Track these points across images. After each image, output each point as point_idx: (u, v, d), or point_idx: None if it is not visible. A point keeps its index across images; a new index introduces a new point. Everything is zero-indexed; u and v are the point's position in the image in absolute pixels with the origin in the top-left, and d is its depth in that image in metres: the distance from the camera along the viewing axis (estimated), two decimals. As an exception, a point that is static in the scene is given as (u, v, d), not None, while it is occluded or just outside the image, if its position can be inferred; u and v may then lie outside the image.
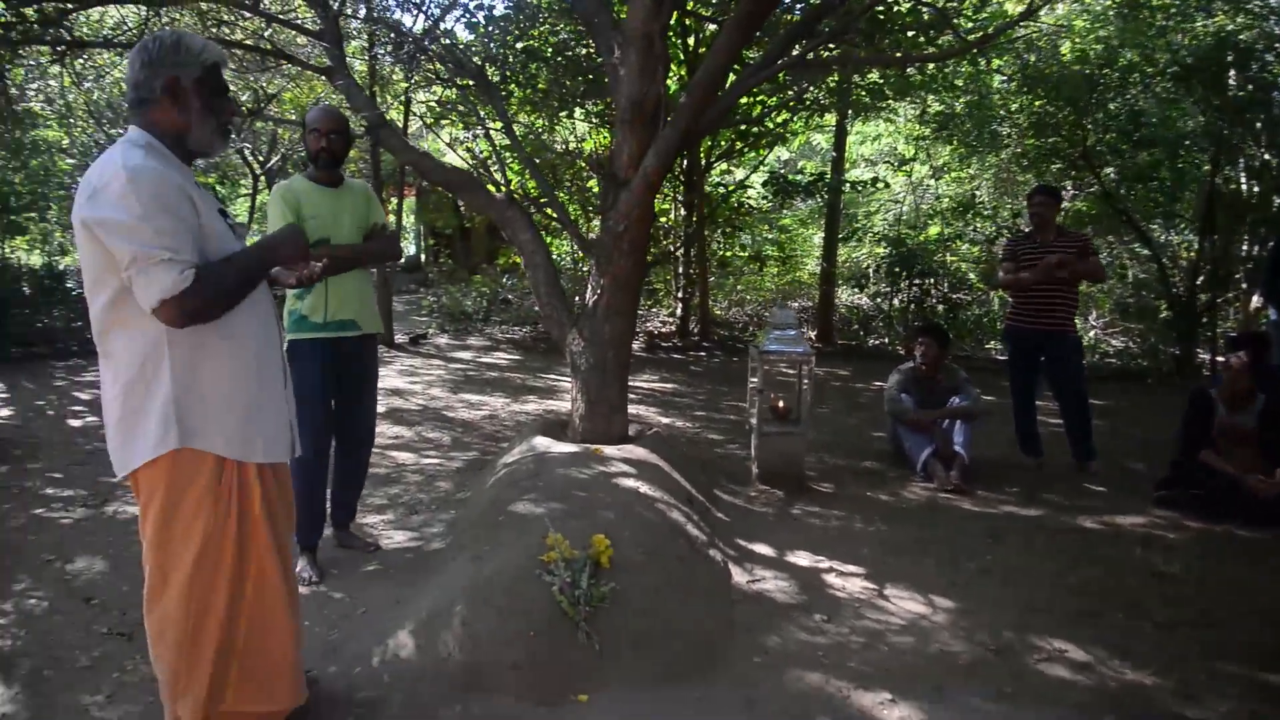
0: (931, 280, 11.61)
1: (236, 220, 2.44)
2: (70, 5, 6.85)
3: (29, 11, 6.21)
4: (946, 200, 13.39)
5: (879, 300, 12.32)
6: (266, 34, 9.22)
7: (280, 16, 7.76)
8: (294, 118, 13.54)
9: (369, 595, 3.56)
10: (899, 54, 6.56)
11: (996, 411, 6.42)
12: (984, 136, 10.70)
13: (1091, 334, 11.44)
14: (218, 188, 15.48)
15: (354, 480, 4.06)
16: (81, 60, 10.33)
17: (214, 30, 8.61)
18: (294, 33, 9.15)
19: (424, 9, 10.43)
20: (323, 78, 7.32)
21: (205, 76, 2.19)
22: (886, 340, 11.62)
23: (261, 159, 15.45)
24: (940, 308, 11.45)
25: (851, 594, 3.57)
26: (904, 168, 14.02)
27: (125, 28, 9.47)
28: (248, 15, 8.60)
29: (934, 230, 12.78)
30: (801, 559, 3.93)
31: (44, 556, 3.98)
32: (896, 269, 11.62)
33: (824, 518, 4.56)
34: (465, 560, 3.35)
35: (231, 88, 2.27)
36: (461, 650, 2.84)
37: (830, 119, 11.68)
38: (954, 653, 3.07)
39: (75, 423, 6.67)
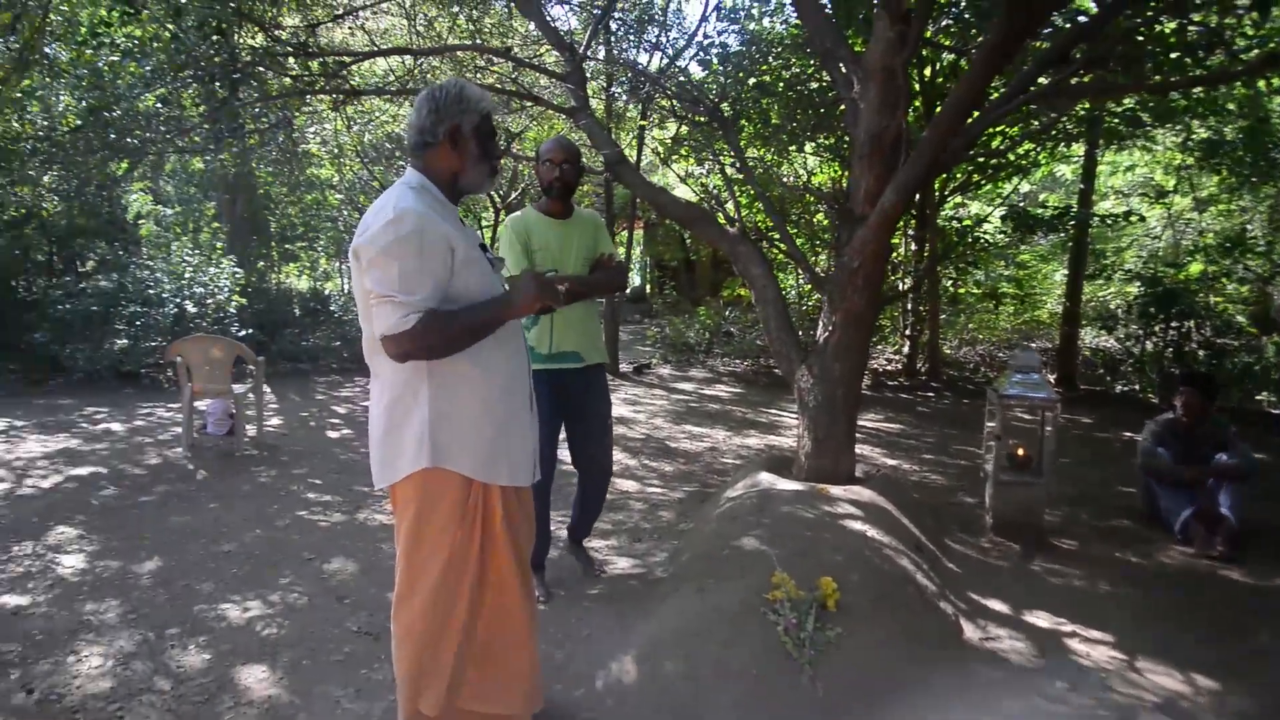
0: (1192, 322, 10.57)
1: (496, 255, 2.61)
2: (348, 59, 7.63)
3: (315, 65, 6.96)
4: (1211, 235, 12.21)
5: (1129, 343, 11.36)
6: (515, 77, 9.81)
7: (530, 62, 8.25)
8: (533, 154, 14.33)
9: (593, 618, 3.67)
10: (1161, 78, 6.07)
11: (1272, 471, 5.76)
12: (1260, 165, 9.67)
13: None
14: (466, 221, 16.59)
15: (593, 507, 4.16)
16: (354, 106, 11.42)
17: (470, 76, 9.29)
18: (539, 75, 9.69)
19: (661, 49, 10.81)
20: (564, 117, 7.69)
21: (482, 123, 2.38)
22: (1137, 387, 10.70)
23: (502, 193, 16.43)
24: (1201, 353, 10.42)
25: (1098, 662, 3.30)
26: (1162, 200, 12.92)
27: (392, 76, 10.41)
28: (499, 61, 9.23)
29: (1195, 268, 11.65)
30: (1040, 619, 3.69)
31: (305, 555, 4.40)
32: (1151, 309, 10.66)
33: (1066, 576, 4.26)
34: (689, 592, 3.39)
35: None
36: (682, 680, 2.87)
37: (1078, 149, 10.98)
38: (1220, 741, 2.78)
39: (333, 434, 7.34)
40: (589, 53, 8.45)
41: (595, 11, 8.23)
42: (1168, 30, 5.98)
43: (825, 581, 3.00)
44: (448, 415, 2.32)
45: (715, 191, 9.71)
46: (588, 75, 8.75)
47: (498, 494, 2.42)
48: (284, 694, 3.02)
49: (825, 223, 11.11)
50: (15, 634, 3.41)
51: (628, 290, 13.02)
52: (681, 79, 7.86)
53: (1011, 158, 9.88)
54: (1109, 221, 10.94)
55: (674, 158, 10.21)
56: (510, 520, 2.47)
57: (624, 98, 12.29)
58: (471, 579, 2.42)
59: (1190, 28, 5.85)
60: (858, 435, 6.31)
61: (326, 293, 14.19)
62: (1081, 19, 5.72)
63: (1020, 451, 4.85)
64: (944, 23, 7.47)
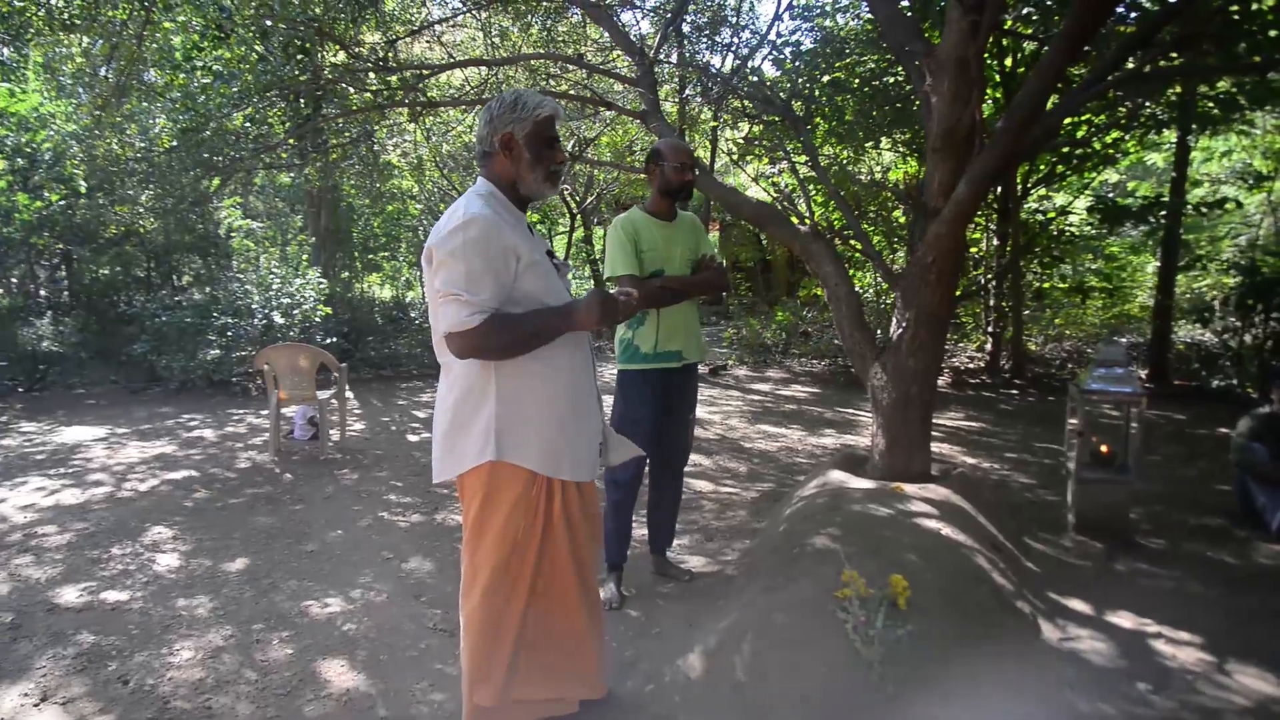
0: (1294, 314, 10.09)
1: (562, 261, 2.67)
2: (425, 72, 7.81)
3: (394, 80, 7.16)
4: (1316, 222, 11.65)
5: (1226, 336, 10.88)
6: (588, 83, 9.91)
7: (601, 67, 8.33)
8: (608, 159, 14.44)
9: (664, 616, 3.69)
10: (1259, 58, 5.80)
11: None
12: (1367, 147, 9.19)
13: None
14: (539, 227, 16.82)
15: (670, 503, 4.11)
16: (432, 118, 11.69)
17: (543, 83, 9.42)
18: (612, 80, 9.76)
19: (733, 50, 10.79)
20: (637, 121, 7.75)
21: (536, 130, 2.44)
22: (1235, 381, 10.23)
23: (578, 199, 16.57)
24: (1305, 345, 9.92)
25: (1184, 665, 3.18)
26: (1261, 185, 12.35)
27: (469, 87, 10.62)
28: (572, 68, 9.33)
29: (1298, 256, 11.13)
30: (1124, 620, 3.57)
31: (384, 554, 4.52)
32: (1249, 301, 10.18)
33: (1152, 577, 4.11)
34: (758, 590, 3.37)
35: (561, 136, 2.50)
36: (750, 678, 2.86)
37: (1169, 135, 10.59)
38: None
39: (413, 438, 7.51)
40: (661, 56, 8.49)
41: (666, 15, 8.25)
42: (1266, 6, 5.70)
43: (896, 579, 2.95)
44: (514, 410, 2.40)
45: (788, 190, 9.64)
46: (659, 79, 8.80)
47: (559, 488, 2.49)
48: (362, 686, 3.11)
49: (903, 220, 10.93)
50: (114, 628, 3.59)
51: (729, 291, 12.93)
52: (753, 79, 7.84)
53: (1097, 146, 9.56)
54: (1203, 210, 10.52)
55: (747, 158, 10.18)
56: (570, 515, 2.53)
57: (697, 100, 12.30)
58: (530, 571, 2.49)
59: (1290, 3, 5.58)
60: (936, 434, 6.22)
61: (408, 300, 14.55)
62: (1170, -1, 5.52)
63: (1104, 448, 4.70)
64: (1024, 10, 7.29)
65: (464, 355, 2.34)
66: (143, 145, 10.30)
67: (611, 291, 2.53)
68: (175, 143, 9.18)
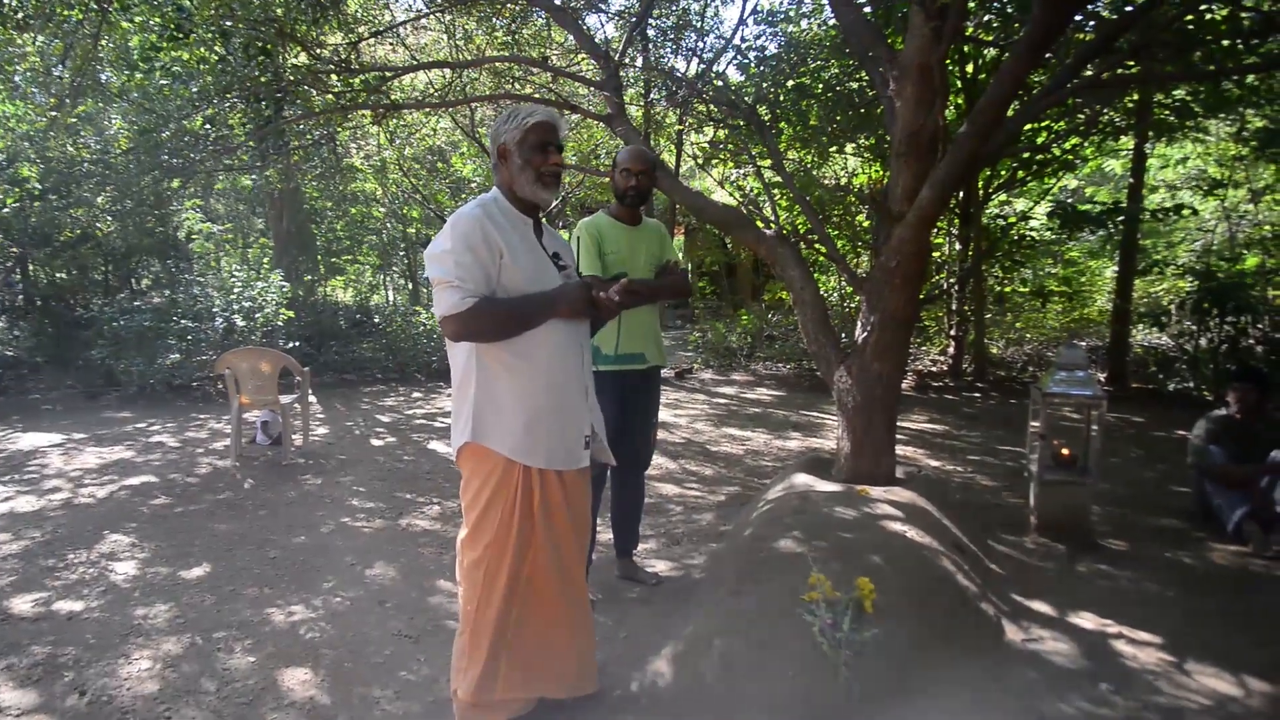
0: (1248, 318, 10.28)
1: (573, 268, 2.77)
2: (389, 74, 7.75)
3: (357, 82, 7.09)
4: (1269, 227, 11.88)
5: (1182, 340, 11.08)
6: (553, 86, 9.89)
7: (566, 70, 8.31)
8: (573, 162, 14.41)
9: (631, 620, 3.68)
10: (1213, 67, 5.91)
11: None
12: (1319, 153, 9.40)
13: None
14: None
15: (633, 505, 4.14)
16: (395, 120, 11.60)
17: (507, 86, 9.38)
18: (577, 84, 9.75)
19: (698, 54, 10.82)
20: (602, 124, 7.74)
21: (524, 137, 2.59)
22: (1191, 384, 10.42)
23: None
24: (1259, 349, 10.13)
25: (1144, 665, 3.23)
26: (1216, 192, 12.59)
27: (432, 89, 10.56)
28: (537, 71, 9.30)
29: (1252, 261, 11.33)
30: (1085, 621, 3.61)
31: (348, 560, 4.47)
32: (1205, 305, 10.37)
33: (1113, 578, 4.17)
34: (725, 593, 3.38)
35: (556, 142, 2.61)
36: (718, 681, 2.86)
37: (1127, 142, 10.77)
38: (1274, 743, 2.70)
39: (377, 442, 7.43)
40: (626, 60, 8.50)
41: (631, 19, 8.26)
42: (1219, 17, 5.82)
43: (862, 582, 2.96)
44: (489, 398, 2.54)
45: (753, 194, 9.67)
46: (624, 83, 8.80)
47: (536, 477, 2.58)
48: (325, 695, 3.07)
49: (867, 224, 11.00)
50: (70, 638, 3.51)
51: (692, 296, 12.90)
52: (718, 83, 7.86)
53: (1057, 152, 9.71)
54: (1160, 216, 10.70)
55: (712, 162, 10.20)
56: (549, 504, 2.61)
57: (662, 103, 12.32)
58: (510, 562, 2.56)
59: (1242, 13, 5.70)
60: (901, 437, 6.26)
61: (371, 304, 14.41)
62: (1127, 8, 5.60)
63: (1065, 450, 4.76)
64: (985, 17, 7.39)
65: (458, 338, 2.51)
66: (98, 146, 10.10)
67: (603, 294, 2.62)
68: (133, 144, 9.02)
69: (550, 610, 2.65)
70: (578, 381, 2.67)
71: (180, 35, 7.05)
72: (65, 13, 7.26)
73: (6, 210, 9.74)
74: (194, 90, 7.77)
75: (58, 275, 11.27)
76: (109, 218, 11.02)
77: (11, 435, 7.56)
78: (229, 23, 6.63)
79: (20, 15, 7.24)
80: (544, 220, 2.82)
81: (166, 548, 4.62)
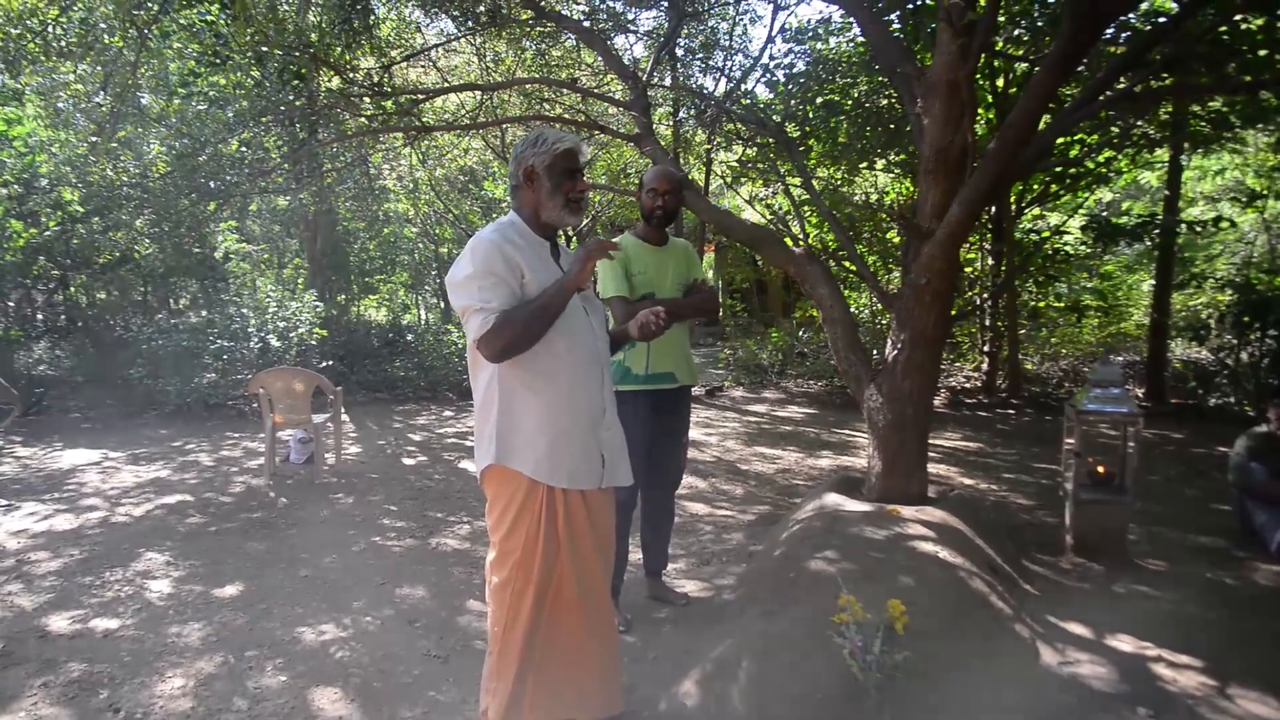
0: (1291, 331, 10.09)
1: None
2: (420, 96, 7.85)
3: (389, 104, 7.19)
4: (1310, 239, 11.69)
5: (1223, 354, 10.89)
6: (582, 107, 9.95)
7: (595, 91, 8.37)
8: (603, 181, 14.49)
9: (659, 641, 3.67)
10: (1250, 78, 5.82)
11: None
12: (1360, 163, 9.22)
13: None
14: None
15: (662, 524, 4.12)
16: (427, 142, 11.72)
17: (537, 108, 9.45)
18: (606, 104, 9.80)
19: (726, 73, 10.85)
20: (631, 144, 7.79)
21: (554, 162, 2.59)
22: (1232, 400, 10.23)
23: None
24: (1302, 363, 9.91)
25: (1185, 689, 3.16)
26: (1255, 204, 12.39)
27: (463, 111, 10.66)
28: (566, 92, 9.37)
29: (1293, 273, 11.16)
30: (1123, 643, 3.54)
31: (378, 580, 4.49)
32: (1245, 318, 10.19)
33: (1151, 599, 4.08)
34: (755, 615, 3.35)
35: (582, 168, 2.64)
36: (746, 704, 2.84)
37: (1162, 154, 10.63)
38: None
39: (409, 461, 7.48)
40: (654, 80, 8.54)
41: (660, 39, 8.30)
42: (1254, 27, 5.73)
43: (893, 604, 2.92)
44: (513, 419, 2.54)
45: (781, 212, 9.66)
46: (653, 102, 8.83)
47: (560, 497, 2.57)
48: (355, 715, 3.08)
49: (897, 241, 10.94)
50: (106, 656, 3.55)
51: (720, 314, 12.85)
52: (747, 102, 7.87)
53: (1090, 166, 9.60)
54: (1197, 228, 10.54)
55: (742, 180, 10.20)
56: (574, 524, 2.59)
57: (691, 123, 12.36)
58: (536, 582, 2.54)
59: (1279, 24, 5.60)
60: (933, 455, 6.19)
61: (404, 323, 14.53)
62: (1160, 19, 5.54)
63: (1100, 468, 4.68)
64: (1015, 32, 7.34)
65: (497, 358, 2.46)
66: (137, 171, 10.30)
67: (642, 313, 2.71)
68: (171, 168, 9.19)
69: (577, 630, 2.64)
70: (600, 401, 2.67)
71: (217, 61, 7.18)
72: (107, 40, 7.43)
73: (49, 233, 9.96)
74: (230, 114, 7.90)
75: (98, 296, 11.51)
76: (148, 240, 11.22)
77: (51, 454, 7.70)
78: (264, 48, 6.75)
79: (63, 44, 7.42)
80: (561, 241, 2.83)
81: (200, 566, 4.68)
